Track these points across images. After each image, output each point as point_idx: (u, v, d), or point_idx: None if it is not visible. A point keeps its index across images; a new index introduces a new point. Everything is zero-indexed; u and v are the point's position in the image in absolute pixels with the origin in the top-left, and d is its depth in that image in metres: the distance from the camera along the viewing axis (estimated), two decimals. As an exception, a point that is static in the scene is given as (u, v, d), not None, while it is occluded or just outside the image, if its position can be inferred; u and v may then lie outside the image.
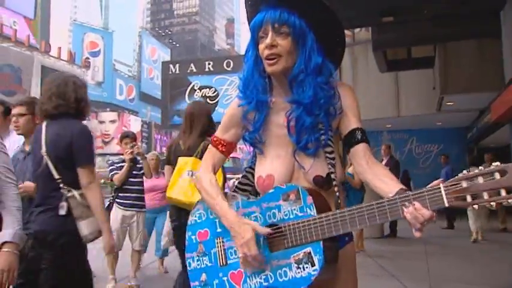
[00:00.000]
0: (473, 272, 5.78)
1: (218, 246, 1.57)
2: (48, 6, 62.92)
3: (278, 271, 1.44)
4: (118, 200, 5.19)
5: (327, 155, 1.54)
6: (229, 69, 33.06)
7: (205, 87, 32.93)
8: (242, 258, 1.47)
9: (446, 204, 1.21)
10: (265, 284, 1.46)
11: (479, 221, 8.07)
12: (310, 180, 1.54)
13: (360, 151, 1.53)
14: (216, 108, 32.18)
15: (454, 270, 5.87)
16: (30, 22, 48.54)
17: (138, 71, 74.46)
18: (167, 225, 5.49)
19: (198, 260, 1.61)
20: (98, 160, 55.15)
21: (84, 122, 2.71)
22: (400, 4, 6.79)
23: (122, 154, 5.34)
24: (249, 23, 1.58)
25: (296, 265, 1.41)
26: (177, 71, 33.84)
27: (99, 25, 76.56)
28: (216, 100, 32.45)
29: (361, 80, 11.52)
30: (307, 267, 1.39)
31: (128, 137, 5.42)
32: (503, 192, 1.14)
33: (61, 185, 2.47)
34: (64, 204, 2.45)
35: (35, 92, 44.59)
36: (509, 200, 1.14)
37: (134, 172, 5.19)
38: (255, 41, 1.56)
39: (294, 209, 1.44)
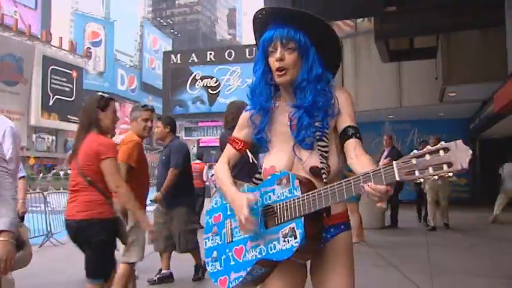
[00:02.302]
0: (473, 262, 5.79)
1: (227, 227, 1.85)
2: (49, -4, 62.57)
3: (269, 245, 1.67)
4: None
5: (320, 148, 1.77)
6: (230, 59, 32.96)
7: (207, 77, 32.83)
8: (239, 222, 1.71)
9: (397, 178, 1.38)
10: (259, 256, 1.70)
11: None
12: (307, 170, 1.76)
13: (350, 145, 1.75)
14: (218, 98, 32.13)
15: (455, 260, 5.88)
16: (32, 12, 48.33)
17: (139, 61, 74.27)
18: None
19: (212, 240, 1.91)
20: (100, 150, 55.24)
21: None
22: (403, -6, 6.74)
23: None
24: (257, 38, 1.87)
25: (283, 239, 1.63)
26: (179, 61, 33.73)
27: (101, 15, 76.23)
28: (218, 90, 32.38)
29: (363, 70, 11.48)
30: (290, 240, 1.61)
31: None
32: (445, 167, 1.30)
33: (258, 168, 3.58)
34: None
35: (36, 81, 44.56)
36: (450, 174, 1.29)
37: None
38: (264, 54, 1.83)
39: (284, 191, 1.68)
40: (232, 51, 34.16)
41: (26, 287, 4.15)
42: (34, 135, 45.56)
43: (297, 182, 1.65)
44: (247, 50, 33.19)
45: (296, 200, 1.62)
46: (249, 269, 1.73)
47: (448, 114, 12.55)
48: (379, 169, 1.44)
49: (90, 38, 62.58)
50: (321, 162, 1.75)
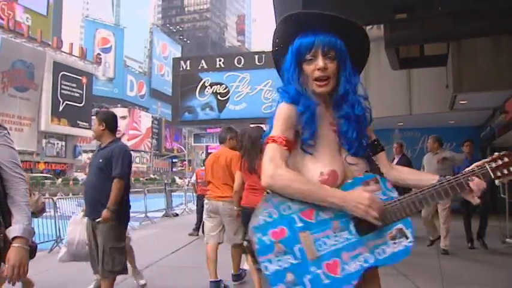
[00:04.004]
0: (486, 273, 5.73)
1: (303, 241, 1.57)
2: (60, 2, 63.22)
3: (376, 250, 1.58)
4: None
5: (366, 155, 1.81)
6: (240, 66, 33.02)
7: (216, 83, 32.89)
8: (365, 213, 1.55)
9: (492, 176, 1.63)
10: (365, 265, 1.57)
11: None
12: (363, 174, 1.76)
13: (383, 156, 1.89)
14: (227, 105, 32.18)
15: (467, 271, 5.81)
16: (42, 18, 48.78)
17: (148, 67, 74.85)
18: None
19: (278, 261, 1.55)
20: (109, 156, 55.80)
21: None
22: (413, 1, 6.71)
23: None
24: (285, 38, 1.78)
25: (392, 241, 1.59)
26: (188, 68, 33.83)
27: (111, 21, 76.91)
28: (227, 97, 32.43)
29: (373, 77, 11.44)
30: (402, 241, 1.59)
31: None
32: None
33: None
34: None
35: (47, 87, 44.99)
36: None
37: None
38: (298, 59, 1.74)
39: (377, 194, 1.62)
40: (241, 58, 34.21)
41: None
42: (44, 141, 45.92)
43: (389, 184, 1.65)
44: (256, 57, 33.28)
45: (398, 202, 1.61)
46: (354, 282, 1.57)
47: (458, 122, 12.46)
48: (475, 170, 1.64)
49: (100, 44, 63.25)
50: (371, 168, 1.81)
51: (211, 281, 4.94)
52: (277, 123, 1.74)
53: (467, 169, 1.69)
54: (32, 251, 2.10)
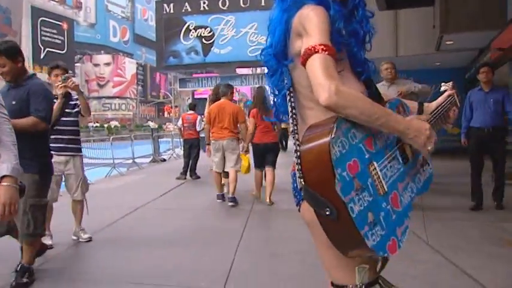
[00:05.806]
0: (464, 206, 5.99)
1: (372, 175, 1.34)
2: None
3: (415, 179, 1.55)
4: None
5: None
6: (224, 8, 32.18)
7: (201, 27, 32.14)
8: (428, 142, 1.41)
9: (458, 104, 1.86)
10: (412, 195, 1.52)
11: None
12: None
13: None
14: (212, 48, 31.64)
15: (447, 204, 6.12)
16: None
17: (131, 12, 72.62)
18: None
19: (359, 200, 1.27)
20: (94, 103, 55.04)
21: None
22: None
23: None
24: None
25: (422, 169, 1.58)
26: (171, 11, 32.91)
27: (89, -37, 73.74)
28: (212, 40, 31.83)
29: (359, 18, 11.26)
30: (426, 168, 1.60)
31: (58, 67, 4.69)
32: None
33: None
34: None
35: (26, 34, 43.71)
36: None
37: (67, 110, 4.50)
38: None
39: None
40: None
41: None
42: (27, 89, 45.14)
43: (411, 110, 1.66)
44: (241, -1, 32.47)
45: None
46: (409, 214, 1.47)
47: (444, 63, 12.45)
48: (448, 100, 1.85)
49: (79, -13, 60.85)
50: None
51: (218, 194, 7.01)
52: (317, 28, 1.37)
53: (439, 99, 1.83)
54: (20, 190, 2.12)
